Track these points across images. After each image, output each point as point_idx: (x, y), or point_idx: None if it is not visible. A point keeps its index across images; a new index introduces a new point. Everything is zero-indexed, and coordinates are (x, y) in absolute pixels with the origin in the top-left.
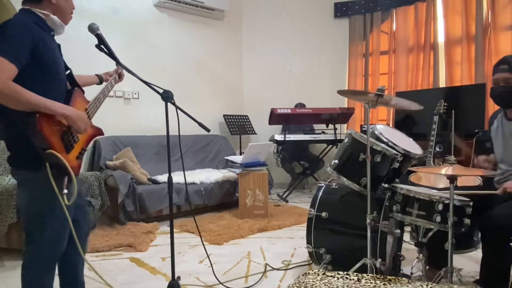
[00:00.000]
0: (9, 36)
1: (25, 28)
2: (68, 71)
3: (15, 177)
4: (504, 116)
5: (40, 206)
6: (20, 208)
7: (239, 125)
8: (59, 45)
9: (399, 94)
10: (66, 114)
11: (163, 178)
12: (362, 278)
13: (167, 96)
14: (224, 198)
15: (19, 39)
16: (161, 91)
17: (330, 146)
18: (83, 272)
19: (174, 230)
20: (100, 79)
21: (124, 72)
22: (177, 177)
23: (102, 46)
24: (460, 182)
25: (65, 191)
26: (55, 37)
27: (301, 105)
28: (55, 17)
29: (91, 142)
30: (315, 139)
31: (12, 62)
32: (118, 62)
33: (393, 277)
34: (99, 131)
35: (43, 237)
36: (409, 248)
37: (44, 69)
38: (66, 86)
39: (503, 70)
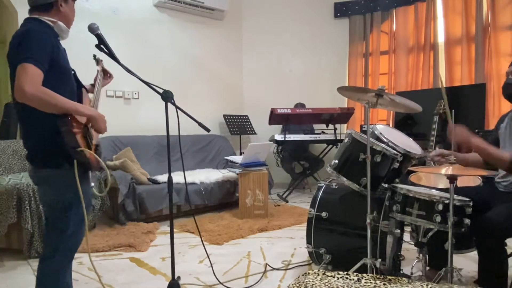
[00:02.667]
0: (34, 44)
1: (44, 36)
2: (72, 72)
3: (37, 174)
4: None
5: (65, 201)
6: (44, 204)
7: (239, 125)
8: (64, 49)
9: (399, 94)
10: (93, 116)
11: (163, 178)
12: (362, 278)
13: (167, 96)
14: (224, 198)
15: (41, 45)
16: (161, 91)
17: (330, 146)
18: (72, 282)
19: (174, 230)
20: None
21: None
22: (177, 177)
23: (102, 46)
24: (460, 182)
25: (92, 184)
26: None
27: (301, 105)
28: (61, 23)
29: None
30: (315, 139)
31: (39, 69)
32: (118, 62)
33: (393, 277)
34: None
35: (67, 229)
36: (409, 248)
37: (61, 73)
38: (76, 88)
39: None
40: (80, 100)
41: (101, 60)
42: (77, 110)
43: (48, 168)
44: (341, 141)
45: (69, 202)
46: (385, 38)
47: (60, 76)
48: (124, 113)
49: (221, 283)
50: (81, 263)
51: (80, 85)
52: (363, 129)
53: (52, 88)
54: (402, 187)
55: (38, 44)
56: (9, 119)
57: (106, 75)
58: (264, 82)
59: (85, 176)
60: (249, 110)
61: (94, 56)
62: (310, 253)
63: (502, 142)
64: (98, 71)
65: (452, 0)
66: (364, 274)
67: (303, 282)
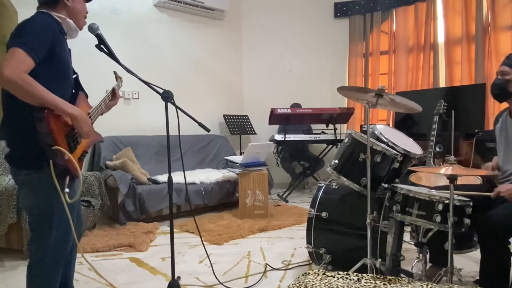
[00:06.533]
0: (31, 31)
1: (46, 26)
2: (75, 75)
3: (17, 177)
4: (508, 114)
5: (46, 207)
6: (24, 209)
7: (239, 125)
8: (69, 50)
9: (399, 94)
10: (74, 115)
11: (163, 178)
12: (362, 278)
13: (167, 96)
14: (224, 198)
15: (40, 35)
16: (161, 91)
17: (330, 146)
18: (72, 281)
19: (174, 230)
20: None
21: (123, 72)
22: (177, 177)
23: (102, 46)
24: (460, 182)
25: (67, 190)
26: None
27: (297, 105)
28: (70, 21)
29: None
30: (315, 139)
31: (30, 56)
32: (118, 62)
33: (393, 277)
34: (99, 137)
35: (50, 238)
36: (409, 248)
37: (57, 69)
38: (72, 90)
39: (503, 63)
40: (72, 103)
41: (120, 77)
42: (56, 105)
43: (27, 170)
44: (341, 141)
45: (50, 208)
46: (385, 38)
47: (57, 72)
48: (124, 113)
49: (221, 283)
50: (81, 263)
51: (80, 88)
52: (363, 129)
53: (44, 82)
54: (402, 187)
55: (36, 31)
56: None
57: (114, 96)
58: (264, 82)
59: (62, 181)
60: (249, 110)
61: (115, 72)
62: (310, 253)
63: (498, 144)
64: (113, 88)
65: (452, 0)
66: (364, 274)
67: (303, 282)
